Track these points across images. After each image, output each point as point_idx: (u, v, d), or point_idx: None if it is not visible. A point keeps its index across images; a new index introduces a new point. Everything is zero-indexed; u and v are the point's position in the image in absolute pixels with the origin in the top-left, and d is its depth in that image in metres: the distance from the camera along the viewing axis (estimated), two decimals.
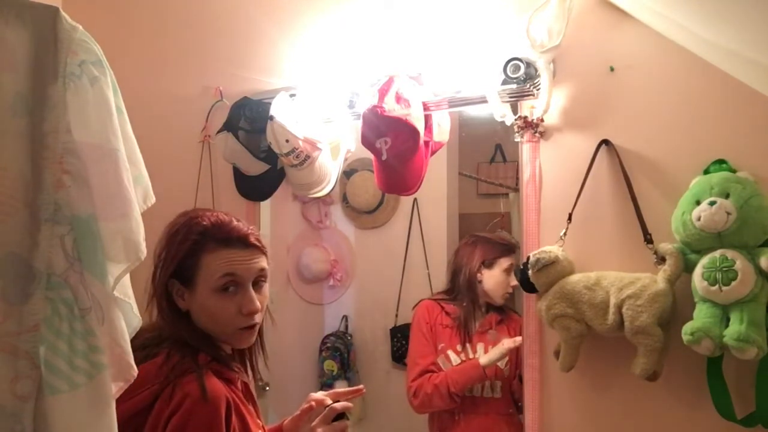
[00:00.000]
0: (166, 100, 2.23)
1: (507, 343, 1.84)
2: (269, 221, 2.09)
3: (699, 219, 1.31)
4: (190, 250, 1.20)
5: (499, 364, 1.86)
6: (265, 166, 1.94)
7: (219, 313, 1.19)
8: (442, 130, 1.80)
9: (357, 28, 1.87)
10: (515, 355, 1.86)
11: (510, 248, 2.00)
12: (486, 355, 1.87)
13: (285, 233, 2.35)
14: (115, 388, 1.45)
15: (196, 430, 1.04)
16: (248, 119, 1.95)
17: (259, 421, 1.21)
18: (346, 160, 1.95)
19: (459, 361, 1.91)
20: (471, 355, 1.91)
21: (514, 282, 1.91)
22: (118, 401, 1.09)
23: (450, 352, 1.92)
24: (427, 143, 1.73)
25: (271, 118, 1.73)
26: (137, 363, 1.13)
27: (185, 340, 1.15)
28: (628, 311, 1.37)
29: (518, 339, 1.79)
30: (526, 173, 1.63)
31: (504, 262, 1.97)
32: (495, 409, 1.88)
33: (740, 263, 1.27)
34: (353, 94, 1.83)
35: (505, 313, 1.97)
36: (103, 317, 1.42)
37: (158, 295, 1.20)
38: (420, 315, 1.99)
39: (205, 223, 1.21)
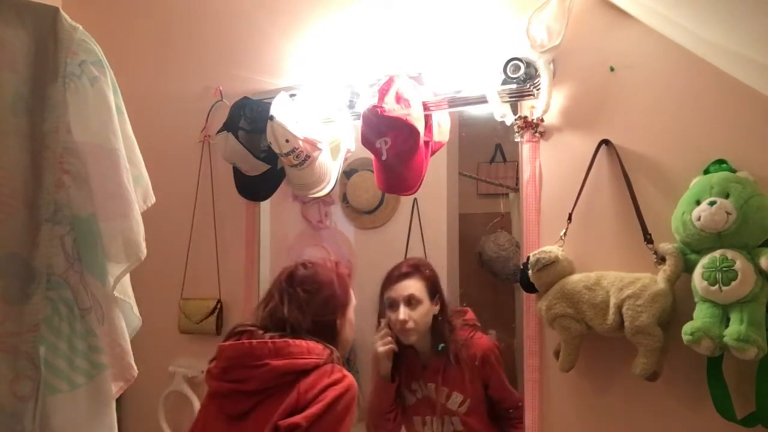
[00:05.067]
0: (166, 100, 2.24)
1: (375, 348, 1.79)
2: (269, 221, 2.09)
3: (699, 219, 1.31)
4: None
5: (449, 404, 1.76)
6: (265, 166, 1.94)
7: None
8: (442, 130, 1.80)
9: (357, 28, 1.88)
10: (468, 387, 1.76)
11: (394, 277, 1.81)
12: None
13: (285, 233, 2.35)
14: (116, 388, 1.45)
15: (351, 399, 1.32)
16: (248, 119, 1.95)
17: None
18: (346, 160, 1.95)
19: (415, 401, 1.82)
20: (425, 393, 1.80)
21: (402, 316, 1.74)
22: (290, 355, 1.32)
23: (404, 390, 1.83)
24: (427, 143, 1.73)
25: (271, 118, 1.73)
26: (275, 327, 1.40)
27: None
28: (628, 311, 1.37)
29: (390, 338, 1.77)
30: (526, 173, 1.63)
31: (386, 295, 1.80)
32: None
33: (740, 263, 1.27)
34: (353, 94, 1.83)
35: (450, 359, 1.77)
36: (104, 317, 1.42)
37: (338, 323, 1.46)
38: None
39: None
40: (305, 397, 1.28)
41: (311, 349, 1.34)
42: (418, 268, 1.82)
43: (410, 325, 1.75)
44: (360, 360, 2.30)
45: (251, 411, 1.33)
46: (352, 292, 1.53)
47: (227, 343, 1.40)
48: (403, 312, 1.75)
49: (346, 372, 1.36)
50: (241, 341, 1.37)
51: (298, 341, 1.34)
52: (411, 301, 1.77)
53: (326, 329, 1.42)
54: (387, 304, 1.80)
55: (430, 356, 1.81)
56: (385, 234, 2.29)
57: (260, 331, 1.40)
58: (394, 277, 1.81)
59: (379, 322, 1.84)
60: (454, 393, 1.78)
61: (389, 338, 1.77)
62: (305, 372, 1.32)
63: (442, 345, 1.77)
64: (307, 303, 1.41)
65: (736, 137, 1.41)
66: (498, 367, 1.79)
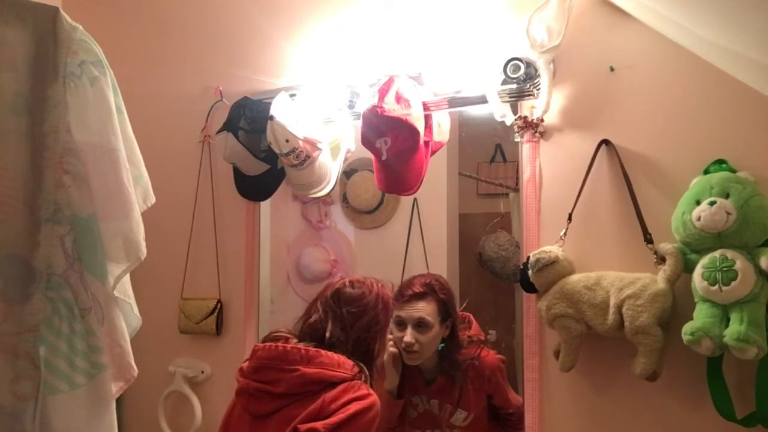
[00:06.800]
0: (166, 100, 2.24)
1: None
2: (269, 221, 2.09)
3: (699, 219, 1.31)
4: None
5: (453, 420, 1.76)
6: (265, 166, 1.94)
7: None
8: (442, 130, 1.80)
9: (357, 28, 1.88)
10: (474, 403, 1.76)
11: (406, 295, 1.72)
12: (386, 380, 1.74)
13: (285, 233, 2.35)
14: (116, 388, 1.45)
15: (373, 417, 1.34)
16: (248, 119, 1.95)
17: None
18: (346, 160, 1.95)
19: (416, 415, 1.80)
20: (427, 407, 1.79)
21: (409, 338, 1.68)
22: (321, 365, 1.35)
23: (408, 407, 1.80)
24: (427, 143, 1.73)
25: (271, 118, 1.73)
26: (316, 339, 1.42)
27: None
28: (628, 311, 1.37)
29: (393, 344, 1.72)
30: (526, 173, 1.63)
31: (395, 313, 1.70)
32: None
33: (740, 263, 1.27)
34: (353, 94, 1.83)
35: (455, 380, 1.75)
36: (104, 317, 1.42)
37: (376, 345, 1.48)
38: None
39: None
40: (329, 407, 1.30)
41: (341, 363, 1.36)
42: (432, 289, 1.73)
43: (416, 348, 1.69)
44: None
45: (275, 413, 1.34)
46: (390, 316, 1.55)
47: (262, 344, 1.42)
48: (410, 334, 1.69)
49: (371, 391, 1.37)
50: (274, 344, 1.39)
51: (330, 353, 1.37)
52: (420, 325, 1.70)
53: (364, 351, 1.44)
54: (395, 322, 1.72)
55: (435, 374, 1.79)
56: (385, 234, 2.30)
57: (295, 340, 1.42)
58: (406, 295, 1.72)
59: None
60: (458, 410, 1.77)
61: (391, 342, 1.74)
62: (333, 384, 1.33)
63: (442, 345, 1.77)
64: (351, 325, 1.43)
65: (736, 137, 1.41)
66: (503, 381, 1.79)
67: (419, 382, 1.81)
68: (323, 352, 1.37)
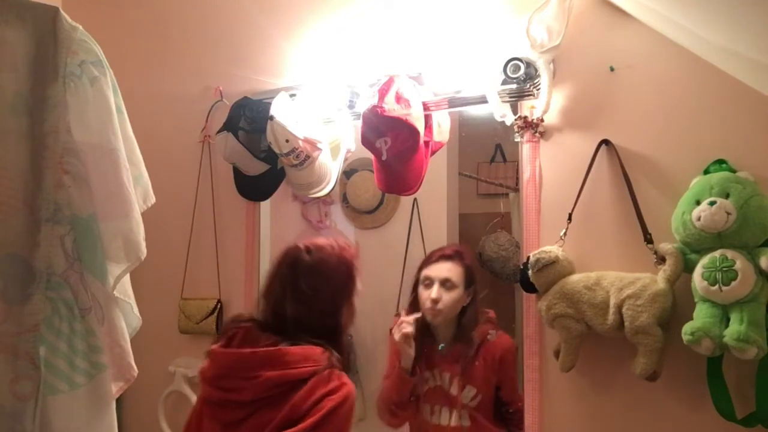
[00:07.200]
0: (166, 100, 2.24)
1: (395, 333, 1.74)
2: (269, 221, 2.09)
3: (699, 219, 1.31)
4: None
5: (462, 396, 1.76)
6: (265, 166, 1.94)
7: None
8: (442, 130, 1.80)
9: (357, 29, 1.88)
10: (483, 382, 1.76)
11: (435, 256, 1.81)
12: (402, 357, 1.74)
13: (285, 233, 2.34)
14: (116, 388, 1.46)
15: (348, 410, 1.29)
16: (248, 119, 1.95)
17: None
18: (346, 160, 1.95)
19: (427, 389, 1.80)
20: (438, 383, 1.79)
21: (435, 294, 1.74)
22: (285, 365, 1.28)
23: (420, 381, 1.79)
24: (427, 143, 1.73)
25: (271, 118, 1.73)
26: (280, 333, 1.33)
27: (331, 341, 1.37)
28: (628, 311, 1.37)
29: (405, 323, 1.73)
30: (526, 173, 1.63)
31: (423, 273, 1.80)
32: None
33: (740, 263, 1.27)
34: (353, 94, 1.83)
35: (476, 347, 1.76)
36: (104, 317, 1.42)
37: (344, 314, 1.41)
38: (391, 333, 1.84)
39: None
40: (300, 408, 1.24)
41: (308, 355, 1.29)
42: (460, 255, 1.81)
43: (440, 306, 1.74)
44: (360, 360, 2.30)
45: (246, 419, 1.29)
46: (357, 278, 1.46)
47: (219, 349, 1.35)
48: (436, 291, 1.74)
49: (344, 378, 1.31)
50: (232, 350, 1.33)
51: (293, 349, 1.28)
52: (446, 284, 1.76)
53: (331, 326, 1.37)
54: (422, 282, 1.79)
55: (450, 347, 1.80)
56: (385, 234, 2.29)
57: (257, 330, 1.34)
58: (435, 256, 1.81)
59: (410, 307, 1.83)
60: (468, 386, 1.78)
61: (404, 323, 1.75)
62: (302, 380, 1.27)
63: (442, 345, 1.78)
64: (313, 298, 1.35)
65: (736, 137, 1.41)
66: (513, 369, 1.79)
67: (433, 356, 1.82)
68: (285, 349, 1.28)
